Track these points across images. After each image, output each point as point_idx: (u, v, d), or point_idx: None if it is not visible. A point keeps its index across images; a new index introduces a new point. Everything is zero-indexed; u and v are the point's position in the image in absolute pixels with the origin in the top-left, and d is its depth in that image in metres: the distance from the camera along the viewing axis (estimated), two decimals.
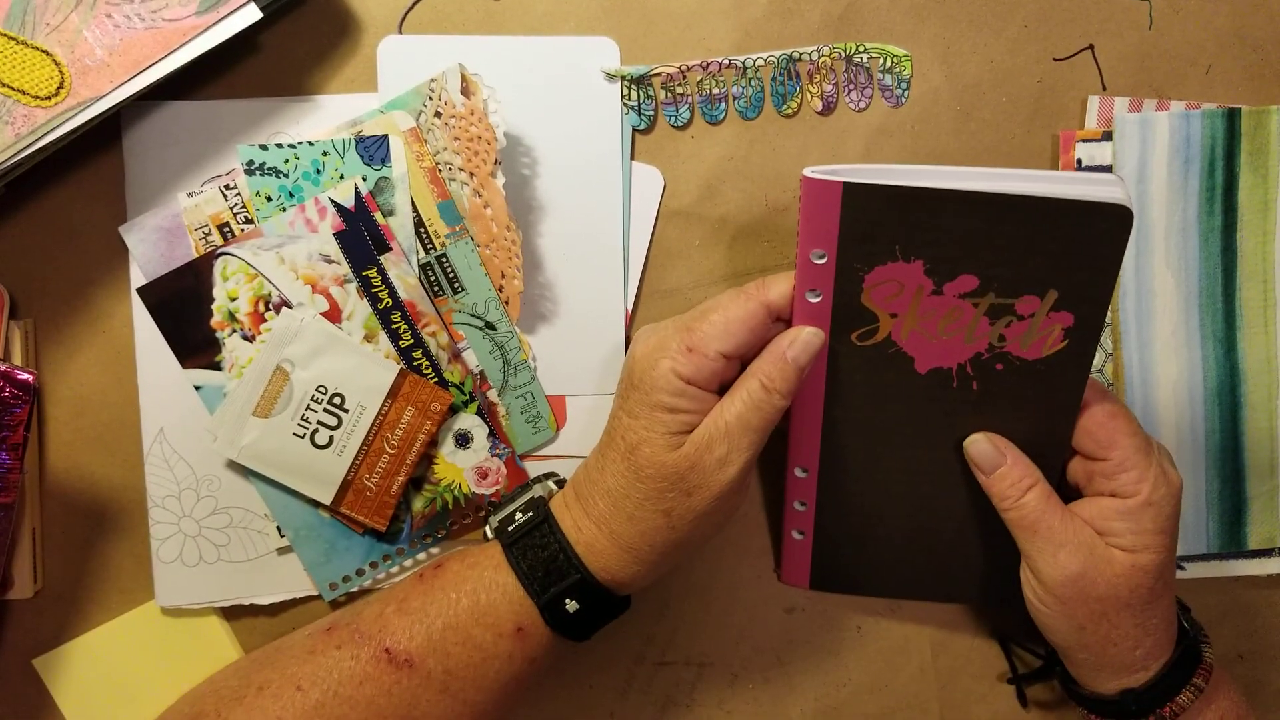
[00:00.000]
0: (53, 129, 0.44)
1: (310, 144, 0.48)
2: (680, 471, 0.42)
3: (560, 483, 0.50)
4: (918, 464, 0.47)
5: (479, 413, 0.51)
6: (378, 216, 0.48)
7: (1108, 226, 0.40)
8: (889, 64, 0.52)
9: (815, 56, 0.51)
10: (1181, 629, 0.47)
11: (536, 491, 0.48)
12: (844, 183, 0.39)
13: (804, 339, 0.43)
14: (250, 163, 0.48)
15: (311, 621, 0.52)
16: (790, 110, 0.52)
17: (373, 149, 0.48)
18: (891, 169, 0.41)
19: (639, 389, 0.43)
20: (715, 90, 0.51)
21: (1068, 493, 0.47)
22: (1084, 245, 0.40)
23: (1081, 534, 0.44)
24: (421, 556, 0.52)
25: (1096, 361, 0.53)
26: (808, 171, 0.40)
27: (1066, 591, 0.44)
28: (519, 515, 0.46)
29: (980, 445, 0.45)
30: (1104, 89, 0.53)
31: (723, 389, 0.44)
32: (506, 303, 0.50)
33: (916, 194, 0.39)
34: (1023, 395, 0.44)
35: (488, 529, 0.49)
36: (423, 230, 0.49)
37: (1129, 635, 0.45)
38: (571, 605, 0.44)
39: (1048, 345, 0.43)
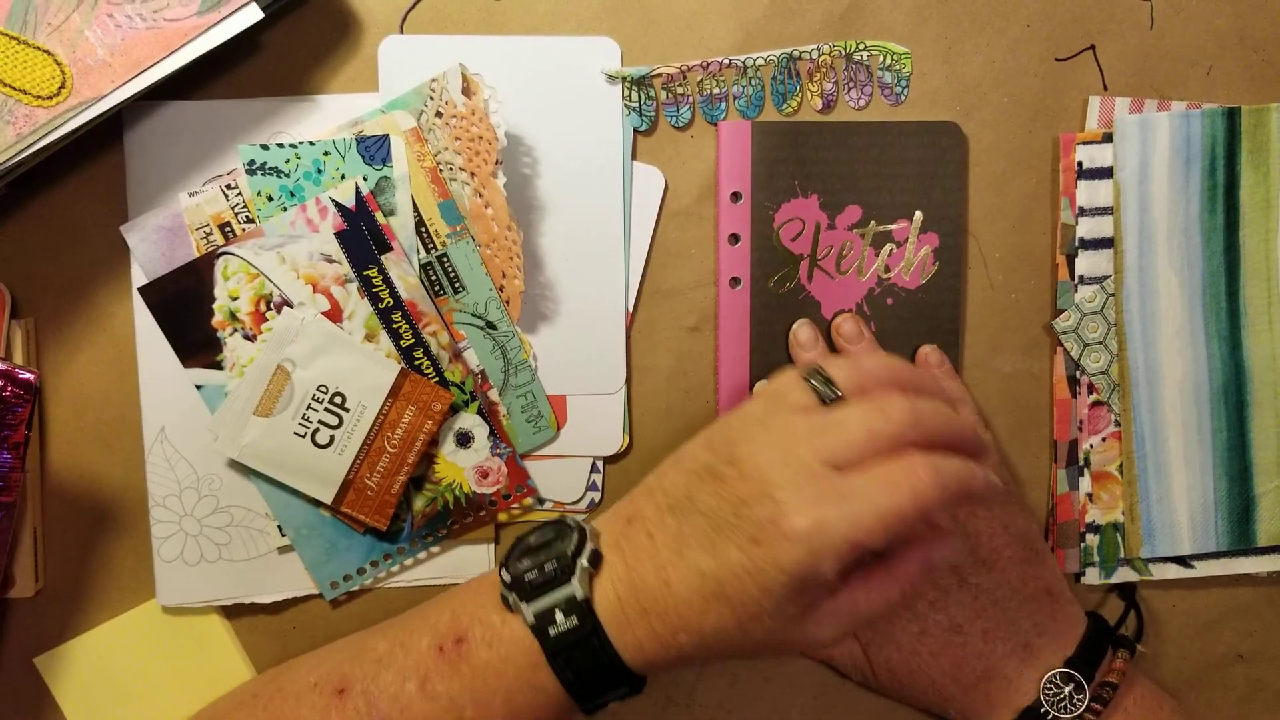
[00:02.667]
0: (54, 129, 0.44)
1: (311, 144, 0.48)
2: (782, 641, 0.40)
3: (593, 557, 0.42)
4: None
5: (480, 412, 0.51)
6: (379, 216, 0.49)
7: (946, 144, 0.51)
8: (888, 61, 0.52)
9: (815, 55, 0.51)
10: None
11: (577, 589, 0.41)
12: (753, 121, 0.50)
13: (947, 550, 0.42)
14: (251, 162, 0.48)
15: (312, 619, 0.52)
16: (790, 109, 0.52)
17: (374, 149, 0.49)
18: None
19: (788, 573, 0.37)
20: (716, 90, 0.51)
21: None
22: (931, 165, 0.50)
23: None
24: (422, 555, 0.52)
25: (1102, 362, 0.53)
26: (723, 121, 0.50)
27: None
28: (560, 617, 0.41)
29: None
30: (1105, 89, 0.53)
31: None
32: (507, 302, 0.50)
33: (800, 127, 0.50)
34: (913, 330, 0.51)
35: (509, 597, 0.42)
36: (424, 230, 0.49)
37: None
38: (613, 704, 0.42)
39: (925, 270, 0.51)
